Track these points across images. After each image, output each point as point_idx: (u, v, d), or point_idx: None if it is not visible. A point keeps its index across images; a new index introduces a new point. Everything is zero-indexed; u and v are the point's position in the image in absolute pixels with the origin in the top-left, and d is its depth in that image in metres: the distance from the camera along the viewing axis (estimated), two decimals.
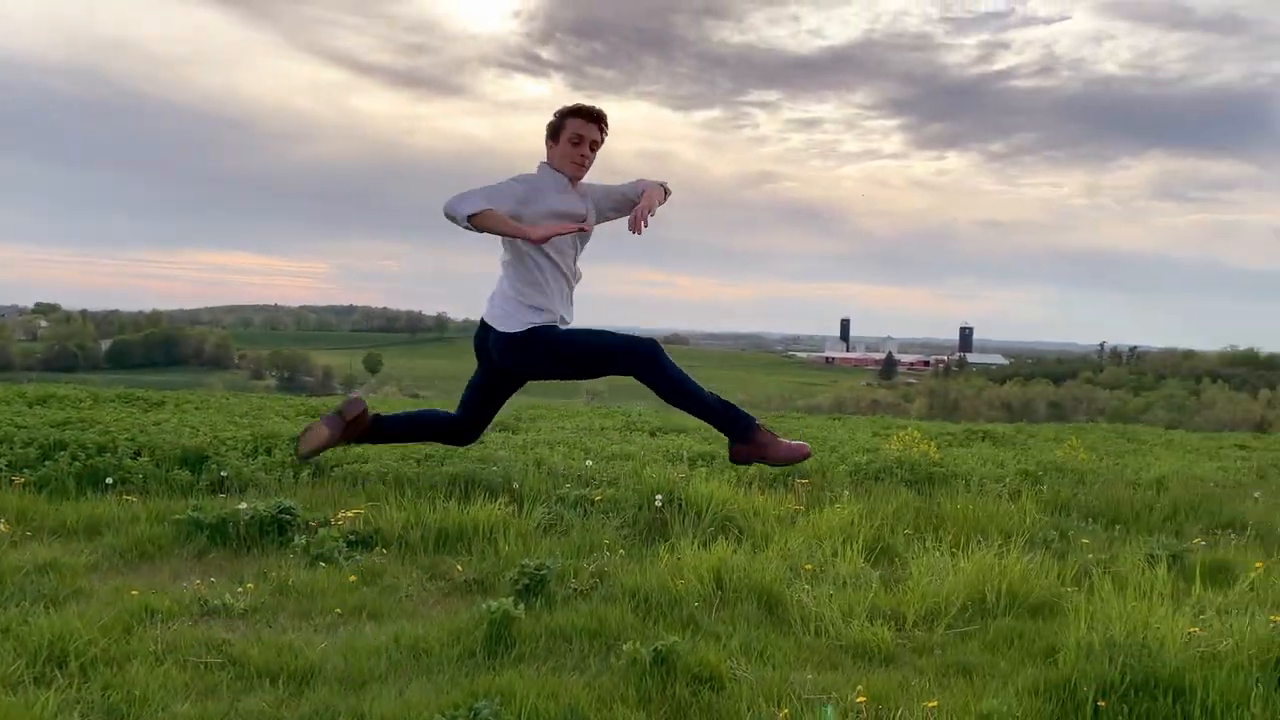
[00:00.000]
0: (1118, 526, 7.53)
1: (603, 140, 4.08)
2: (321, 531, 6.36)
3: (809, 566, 6.10)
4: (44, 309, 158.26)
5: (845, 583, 5.78)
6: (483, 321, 4.12)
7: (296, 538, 6.33)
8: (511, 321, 3.97)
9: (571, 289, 4.12)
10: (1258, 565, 6.09)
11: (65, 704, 3.73)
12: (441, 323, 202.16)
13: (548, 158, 4.06)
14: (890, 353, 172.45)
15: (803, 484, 8.51)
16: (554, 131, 4.03)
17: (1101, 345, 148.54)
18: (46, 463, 7.73)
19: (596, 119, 4.03)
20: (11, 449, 8.03)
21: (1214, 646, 4.41)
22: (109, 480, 7.53)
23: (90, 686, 3.94)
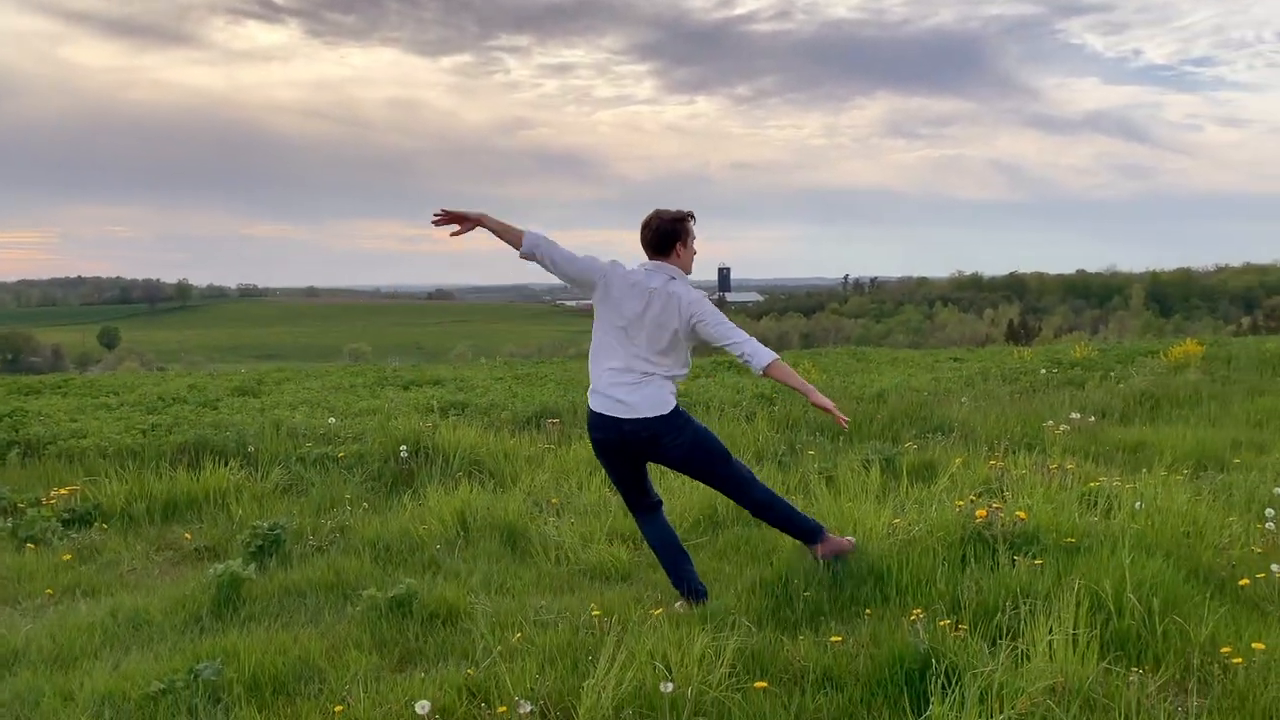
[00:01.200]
0: (841, 438, 8.12)
1: None
2: (31, 512, 5.94)
3: (554, 500, 6.24)
4: None
5: (587, 511, 5.96)
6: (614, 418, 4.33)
7: (2, 521, 5.88)
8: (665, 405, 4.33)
9: None
10: (958, 461, 6.75)
11: None
12: (184, 290, 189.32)
13: (684, 262, 4.46)
14: None
15: (553, 424, 8.66)
16: (687, 237, 4.44)
17: (845, 277, 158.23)
18: None
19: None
20: None
21: (910, 534, 4.86)
22: None
23: None
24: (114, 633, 4.26)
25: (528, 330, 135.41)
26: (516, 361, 19.51)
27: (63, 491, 6.33)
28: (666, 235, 4.41)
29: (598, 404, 4.38)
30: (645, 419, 4.29)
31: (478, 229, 4.43)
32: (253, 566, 4.86)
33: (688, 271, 4.50)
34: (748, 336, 4.40)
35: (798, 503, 5.86)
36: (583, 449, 7.42)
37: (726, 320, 4.41)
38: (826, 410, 4.45)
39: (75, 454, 7.46)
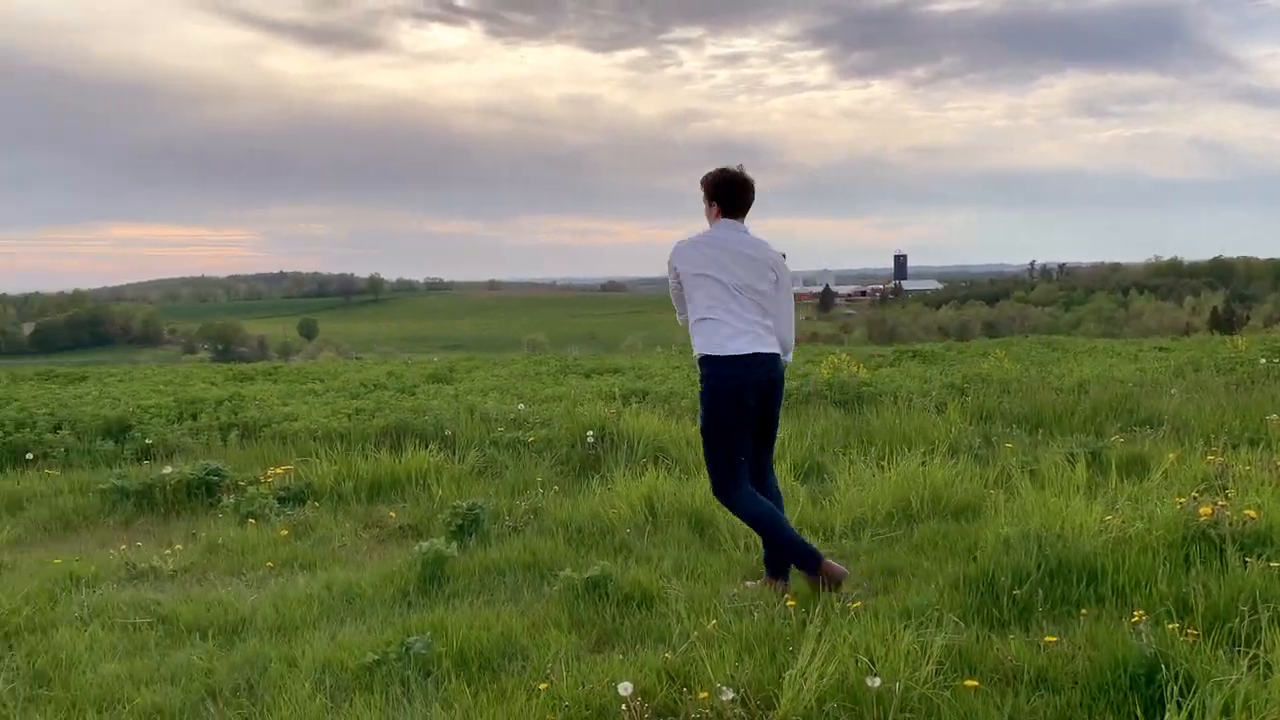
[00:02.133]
0: (1040, 430, 7.74)
1: None
2: (251, 490, 6.33)
3: None
4: None
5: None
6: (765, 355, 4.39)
7: (225, 498, 6.30)
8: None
9: None
10: (1171, 456, 6.31)
11: None
12: (376, 284, 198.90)
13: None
14: (827, 285, 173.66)
15: None
16: None
17: (1031, 264, 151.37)
18: None
19: None
20: None
21: (1125, 532, 4.57)
22: (29, 455, 7.40)
23: (14, 654, 3.90)
24: (329, 605, 4.48)
25: None
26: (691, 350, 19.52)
27: (278, 471, 6.73)
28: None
29: (748, 344, 4.34)
30: (781, 358, 4.48)
31: None
32: (454, 545, 5.04)
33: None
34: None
35: (999, 498, 5.63)
36: None
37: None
38: None
39: (288, 436, 7.93)
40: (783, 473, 6.39)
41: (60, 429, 7.92)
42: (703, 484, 6.11)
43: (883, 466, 6.27)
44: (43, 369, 13.50)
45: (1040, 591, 4.06)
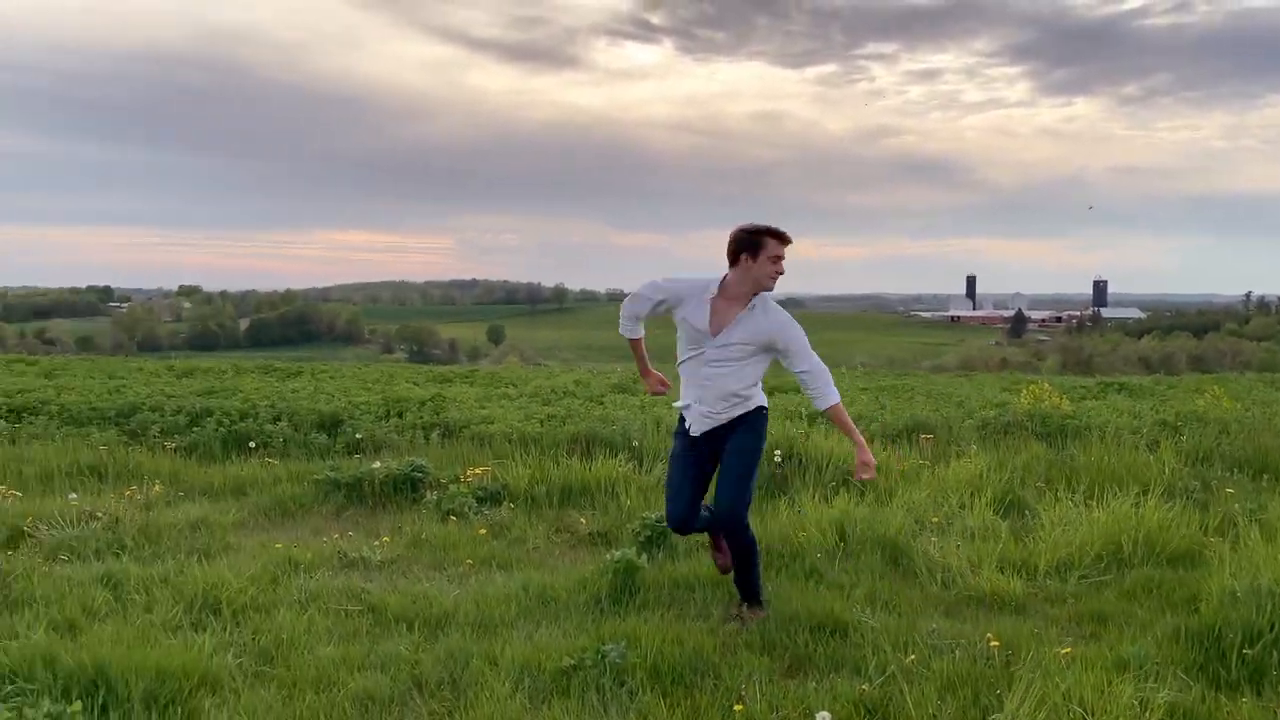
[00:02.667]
0: (1266, 476, 7.16)
1: None
2: (451, 488, 6.56)
3: (935, 519, 6.00)
4: (186, 291, 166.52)
5: (973, 534, 5.67)
6: None
7: (428, 494, 6.56)
8: None
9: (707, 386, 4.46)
10: None
11: (220, 646, 3.96)
12: (559, 293, 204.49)
13: (738, 272, 4.36)
14: (1019, 309, 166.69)
15: (927, 439, 8.35)
16: (753, 248, 4.31)
17: (1247, 295, 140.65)
18: (194, 429, 8.21)
19: (789, 242, 4.40)
20: (163, 416, 8.53)
21: None
22: (251, 444, 7.92)
23: (241, 631, 4.18)
24: (526, 605, 4.60)
25: (879, 340, 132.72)
26: (877, 372, 19.11)
27: (476, 471, 6.96)
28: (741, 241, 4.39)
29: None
30: None
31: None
32: (644, 556, 5.07)
33: (753, 279, 4.40)
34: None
35: (1222, 548, 5.24)
36: (961, 468, 7.09)
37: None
38: (651, 391, 4.77)
39: (485, 438, 8.21)
40: (980, 506, 6.16)
41: (279, 420, 8.46)
42: (897, 513, 5.98)
43: (1090, 505, 5.94)
44: (262, 363, 14.52)
45: (1275, 654, 3.74)
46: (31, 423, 8.48)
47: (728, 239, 4.38)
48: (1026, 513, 6.29)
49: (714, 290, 4.40)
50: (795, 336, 4.39)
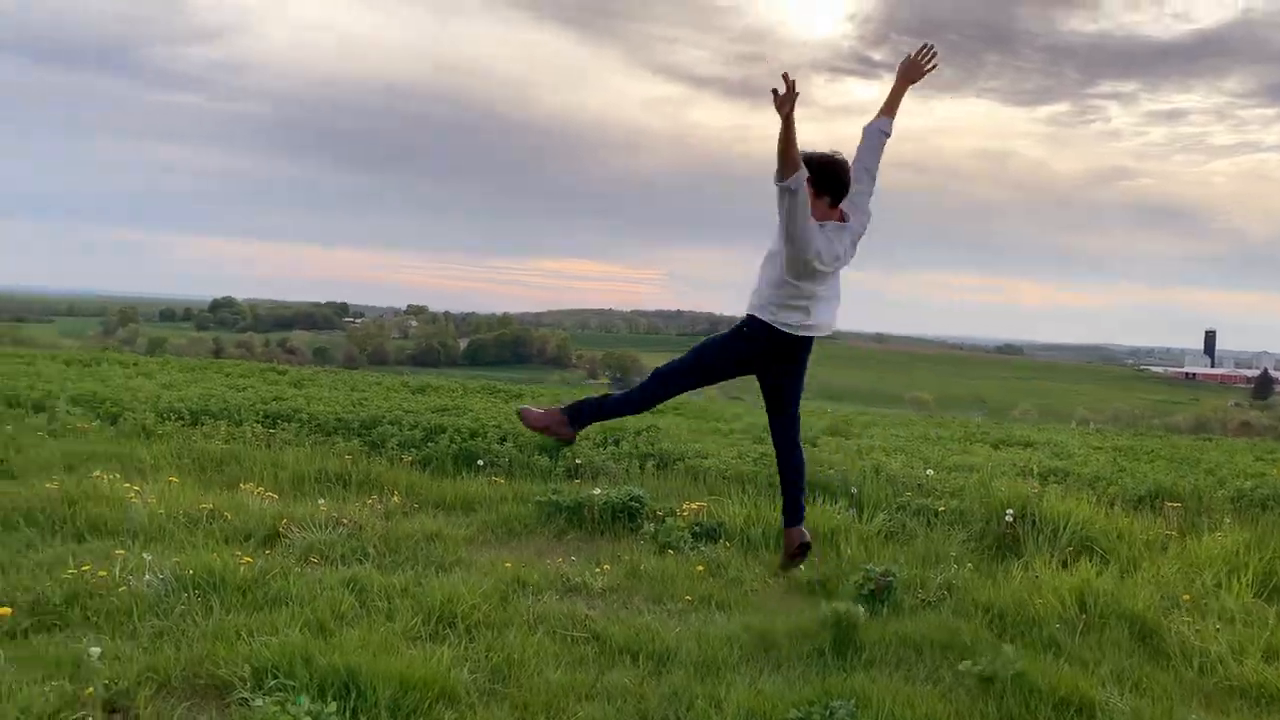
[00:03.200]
0: None
1: None
2: (668, 521, 6.59)
3: (1186, 597, 5.53)
4: (414, 310, 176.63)
5: (1233, 617, 5.19)
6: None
7: (645, 525, 6.62)
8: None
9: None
10: None
11: (456, 659, 4.10)
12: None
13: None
14: (1266, 369, 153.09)
15: (1174, 508, 7.74)
16: None
17: None
18: (429, 444, 8.62)
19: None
20: (400, 430, 9.02)
21: None
22: (480, 462, 8.25)
23: (475, 646, 4.31)
24: (747, 649, 4.54)
25: (1103, 394, 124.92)
26: (1110, 430, 17.95)
27: (692, 506, 6.97)
28: None
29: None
30: None
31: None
32: (865, 609, 4.92)
33: None
34: None
35: None
36: (1214, 543, 6.51)
37: None
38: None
39: (699, 472, 8.23)
40: (1239, 586, 5.64)
41: (505, 441, 8.78)
42: (1144, 587, 5.56)
43: None
44: (485, 383, 15.14)
45: None
46: (284, 429, 9.14)
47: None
48: None
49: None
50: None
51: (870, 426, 14.17)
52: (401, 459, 8.21)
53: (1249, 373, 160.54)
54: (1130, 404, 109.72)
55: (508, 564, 5.53)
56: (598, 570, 5.62)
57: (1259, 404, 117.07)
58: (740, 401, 27.98)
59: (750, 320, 5.18)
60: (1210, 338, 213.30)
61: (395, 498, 6.95)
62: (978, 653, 4.49)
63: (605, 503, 6.84)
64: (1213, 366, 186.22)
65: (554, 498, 6.91)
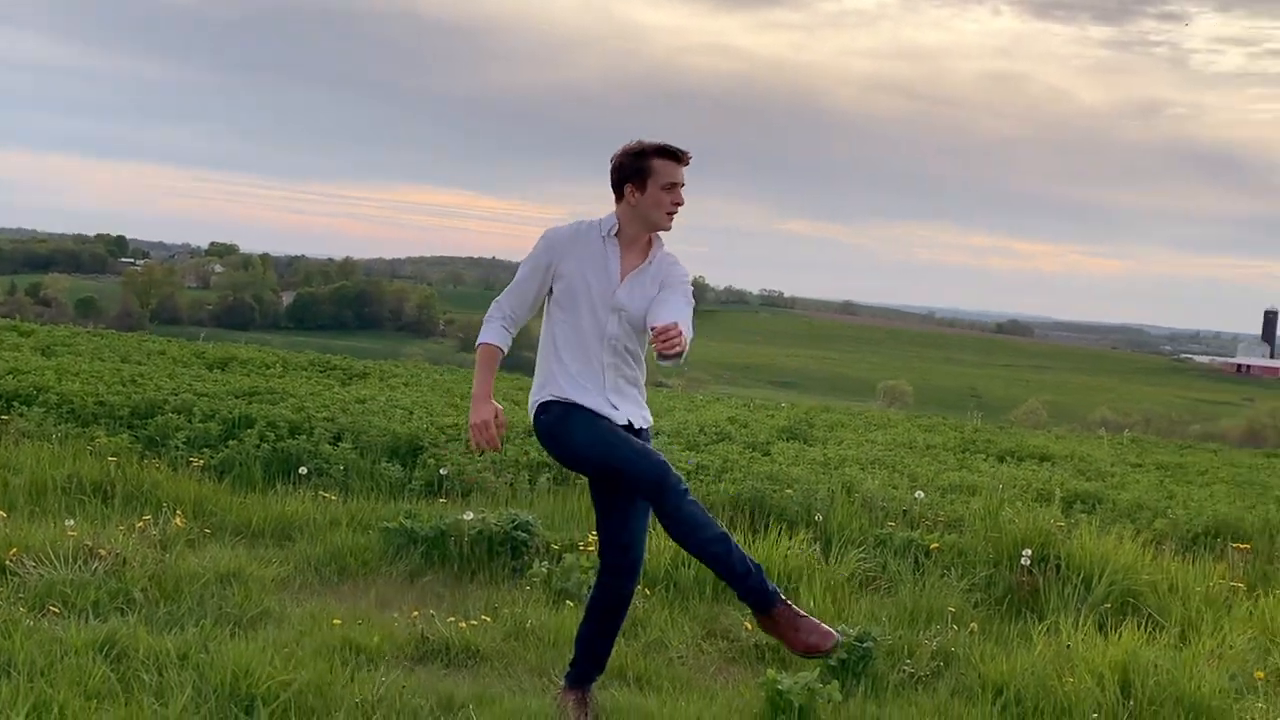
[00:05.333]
0: None
1: None
2: (567, 558, 6.43)
3: (1261, 675, 5.55)
4: (219, 250, 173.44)
5: None
6: None
7: (535, 563, 6.45)
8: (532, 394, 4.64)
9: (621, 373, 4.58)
10: None
11: None
12: (698, 290, 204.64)
13: (624, 209, 4.49)
14: None
15: (1240, 550, 7.84)
16: (638, 176, 4.41)
17: None
18: (230, 442, 8.33)
19: (685, 161, 4.45)
20: (190, 422, 8.65)
21: None
22: (303, 470, 7.98)
23: None
24: None
25: (1133, 391, 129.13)
26: (1149, 441, 18.36)
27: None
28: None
29: None
30: None
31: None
32: (834, 686, 4.83)
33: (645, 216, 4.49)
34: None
35: None
36: None
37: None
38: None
39: None
40: None
41: (340, 441, 8.50)
42: (1205, 662, 5.55)
43: None
44: (316, 357, 14.77)
45: None
46: (22, 415, 8.70)
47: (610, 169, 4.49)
48: None
49: (615, 226, 4.49)
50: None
51: (837, 428, 14.21)
52: (190, 463, 7.90)
53: None
54: (1166, 403, 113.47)
55: (336, 620, 5.30)
56: (464, 626, 5.43)
57: None
58: (665, 389, 27.95)
59: None
60: (1270, 320, 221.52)
61: (178, 519, 6.65)
62: None
63: (480, 532, 6.65)
64: (1272, 356, 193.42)
65: (407, 524, 6.68)
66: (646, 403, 4.71)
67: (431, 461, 8.29)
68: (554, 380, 4.47)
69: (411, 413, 9.60)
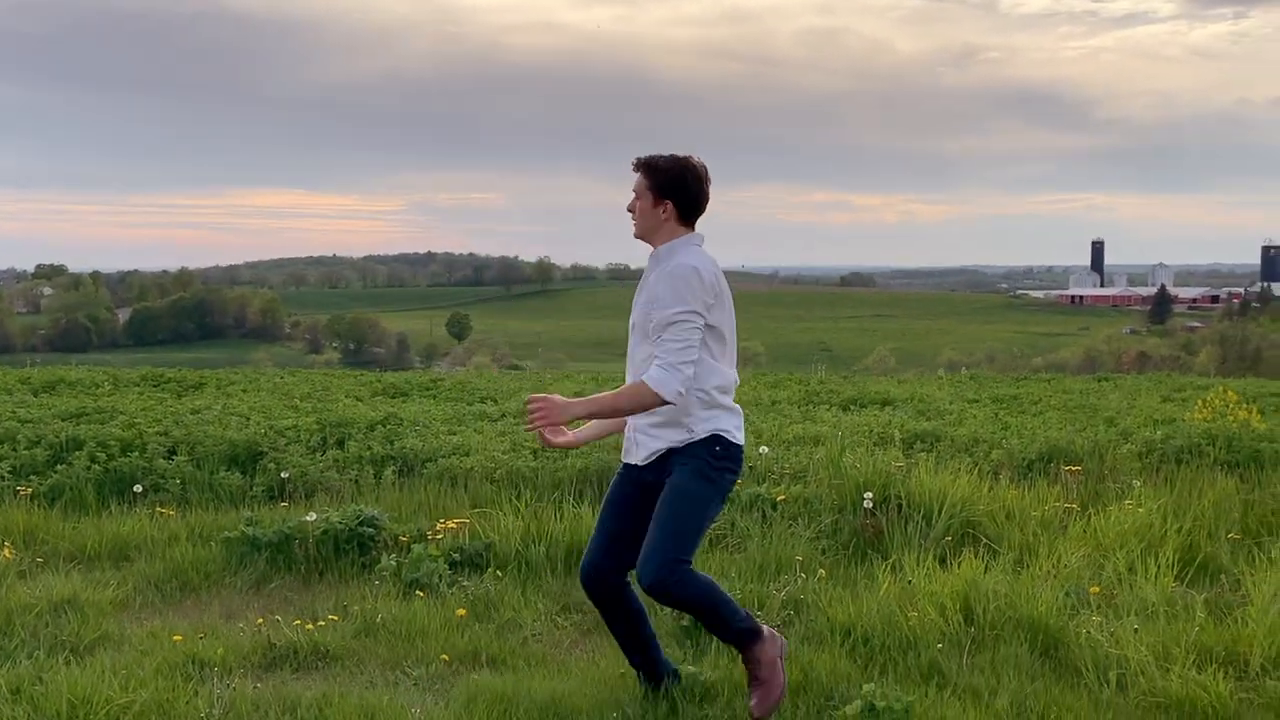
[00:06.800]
0: None
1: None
2: (416, 549, 6.35)
3: (1096, 590, 5.75)
4: (46, 272, 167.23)
5: (1154, 611, 5.41)
6: None
7: (383, 557, 6.38)
8: None
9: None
10: None
11: None
12: (544, 270, 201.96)
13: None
14: (1162, 286, 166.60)
15: (1072, 473, 8.11)
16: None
17: None
18: (58, 467, 8.05)
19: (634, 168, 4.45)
20: (15, 450, 8.35)
21: None
22: (138, 488, 7.76)
23: None
24: None
25: (974, 331, 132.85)
26: (988, 376, 18.89)
27: (449, 525, 6.74)
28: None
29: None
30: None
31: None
32: (688, 645, 4.87)
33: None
34: (667, 357, 4.19)
35: None
36: (1124, 515, 6.84)
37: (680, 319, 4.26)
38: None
39: (459, 476, 8.02)
40: (1158, 570, 5.90)
41: (175, 454, 8.28)
42: (1043, 583, 5.73)
43: None
44: (149, 371, 14.37)
45: None
46: None
47: None
48: (1223, 579, 6.05)
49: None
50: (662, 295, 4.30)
51: None
52: (16, 492, 7.61)
53: (1144, 292, 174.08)
54: (1007, 339, 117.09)
55: (178, 636, 5.18)
56: (311, 628, 5.33)
57: (1156, 328, 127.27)
58: (518, 371, 27.88)
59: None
60: (1098, 251, 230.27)
61: (6, 550, 6.42)
62: (837, 694, 4.55)
63: (325, 531, 6.56)
64: (1102, 285, 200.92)
65: (249, 531, 6.56)
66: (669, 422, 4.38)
67: (272, 466, 8.14)
68: None
69: (249, 419, 9.41)
